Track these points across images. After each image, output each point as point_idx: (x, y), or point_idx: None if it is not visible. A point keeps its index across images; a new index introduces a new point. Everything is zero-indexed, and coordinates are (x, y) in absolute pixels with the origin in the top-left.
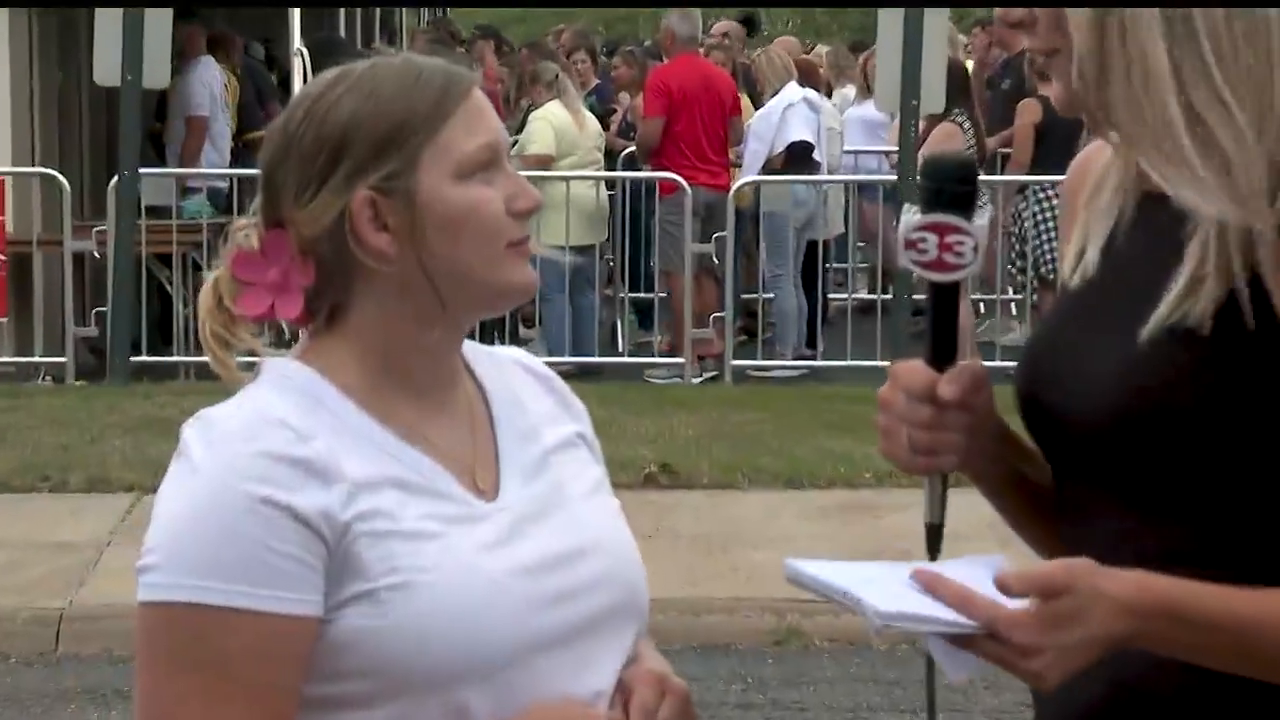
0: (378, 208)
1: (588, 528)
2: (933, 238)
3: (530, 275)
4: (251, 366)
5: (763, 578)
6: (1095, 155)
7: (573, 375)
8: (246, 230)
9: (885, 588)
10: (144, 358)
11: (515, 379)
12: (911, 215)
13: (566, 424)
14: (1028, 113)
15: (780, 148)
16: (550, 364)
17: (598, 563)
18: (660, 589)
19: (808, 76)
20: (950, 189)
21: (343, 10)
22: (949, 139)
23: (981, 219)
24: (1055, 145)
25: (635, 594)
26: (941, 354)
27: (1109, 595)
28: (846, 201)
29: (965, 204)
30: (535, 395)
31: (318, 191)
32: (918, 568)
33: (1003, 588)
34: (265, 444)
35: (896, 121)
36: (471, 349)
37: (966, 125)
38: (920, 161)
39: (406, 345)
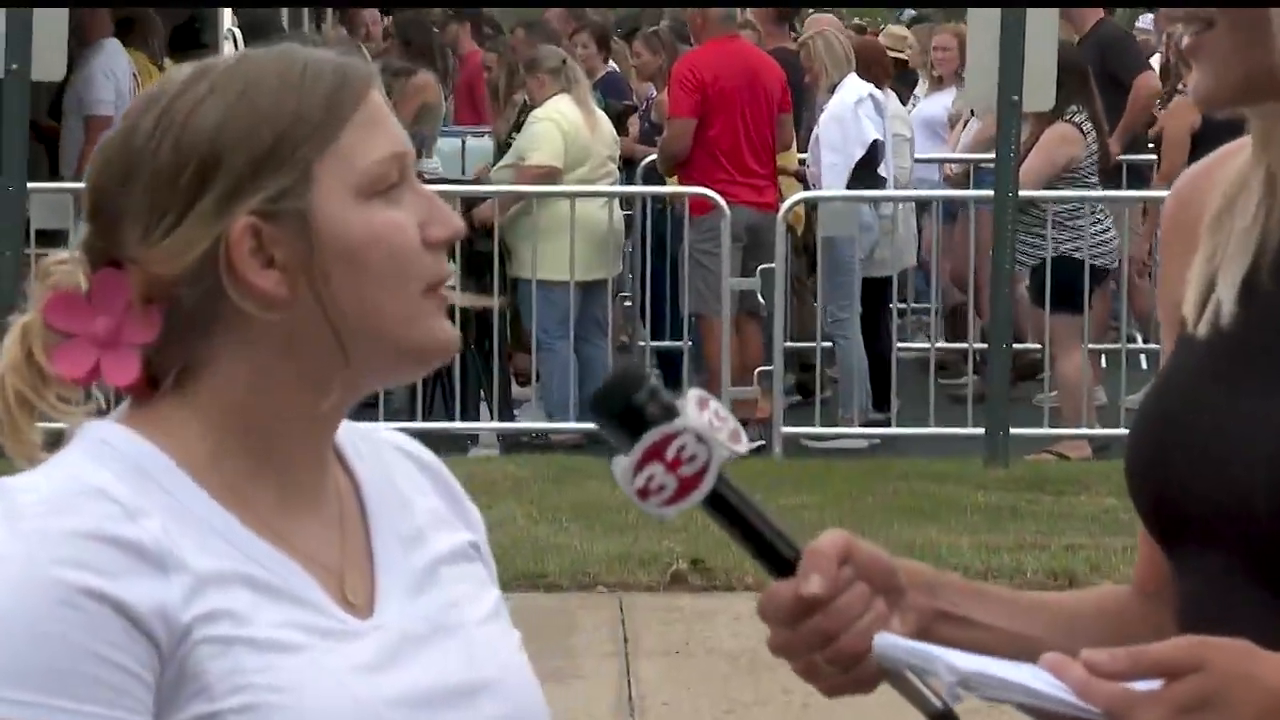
0: (262, 237)
1: (486, 661)
2: (657, 468)
3: (452, 331)
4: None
5: (821, 706)
6: (1213, 171)
7: (579, 446)
8: (69, 266)
9: (981, 661)
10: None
11: (396, 468)
12: (618, 468)
13: (459, 530)
14: (1183, 113)
15: (859, 156)
16: (551, 431)
17: (497, 706)
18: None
19: (868, 67)
20: (628, 410)
21: None
22: (1065, 144)
23: (683, 401)
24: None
25: None
26: (776, 560)
27: (1267, 685)
28: (920, 226)
29: (654, 411)
30: (421, 490)
31: (179, 220)
32: (1047, 655)
33: (1092, 664)
34: (83, 520)
35: (969, 122)
36: (341, 429)
37: (1087, 126)
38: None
39: (279, 415)
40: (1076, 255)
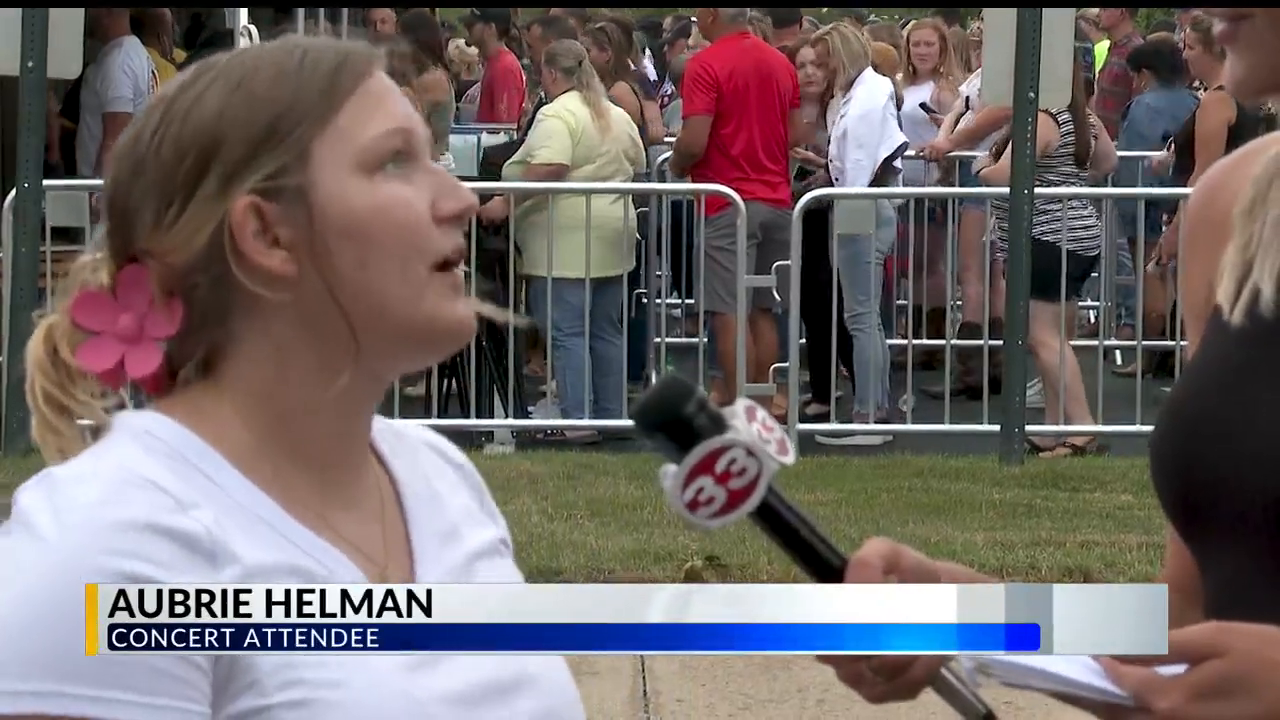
0: (265, 217)
1: (526, 655)
2: (707, 480)
3: (467, 312)
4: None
5: (837, 703)
6: (1239, 166)
7: (594, 443)
8: (95, 266)
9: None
10: None
11: (428, 465)
12: (668, 480)
13: (488, 526)
14: (1218, 108)
15: (885, 155)
16: (566, 428)
17: (536, 700)
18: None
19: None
20: (676, 422)
21: None
22: (1042, 129)
23: (731, 412)
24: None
25: None
26: (822, 569)
27: None
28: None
29: (703, 423)
30: (452, 487)
31: (184, 206)
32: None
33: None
34: (134, 510)
35: (964, 116)
36: (376, 425)
37: (1063, 117)
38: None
39: (307, 400)
40: (1055, 242)
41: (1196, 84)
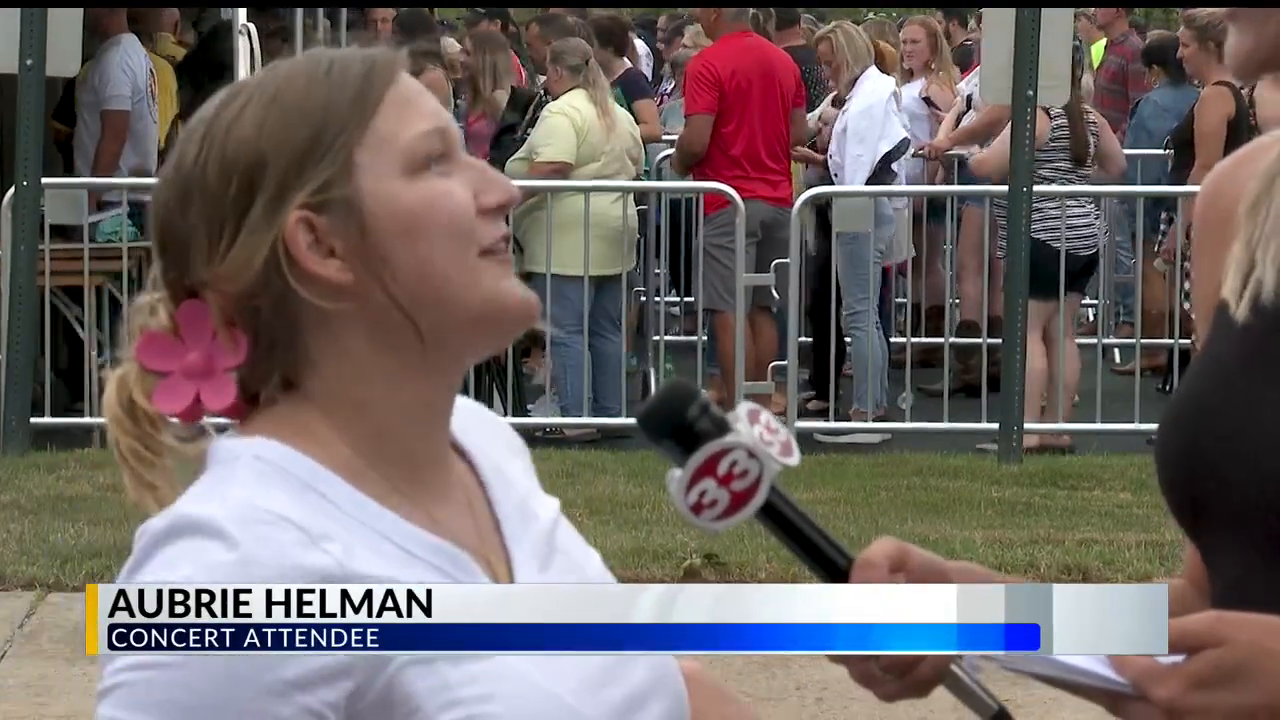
0: (317, 230)
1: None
2: (710, 483)
3: (523, 290)
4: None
5: (835, 701)
6: (1243, 164)
7: (593, 441)
8: (152, 306)
9: None
10: (47, 419)
11: (486, 436)
12: (673, 484)
13: (544, 495)
14: (1217, 104)
15: (886, 150)
16: (565, 426)
17: (642, 665)
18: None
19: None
20: (679, 426)
21: None
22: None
23: (734, 415)
24: (1242, 144)
25: (684, 702)
26: (828, 568)
27: None
28: (929, 218)
29: (706, 426)
30: (507, 458)
31: (237, 231)
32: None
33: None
34: (272, 552)
35: (966, 114)
36: None
37: (1055, 111)
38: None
39: (394, 405)
40: (1050, 241)
41: (1197, 81)
